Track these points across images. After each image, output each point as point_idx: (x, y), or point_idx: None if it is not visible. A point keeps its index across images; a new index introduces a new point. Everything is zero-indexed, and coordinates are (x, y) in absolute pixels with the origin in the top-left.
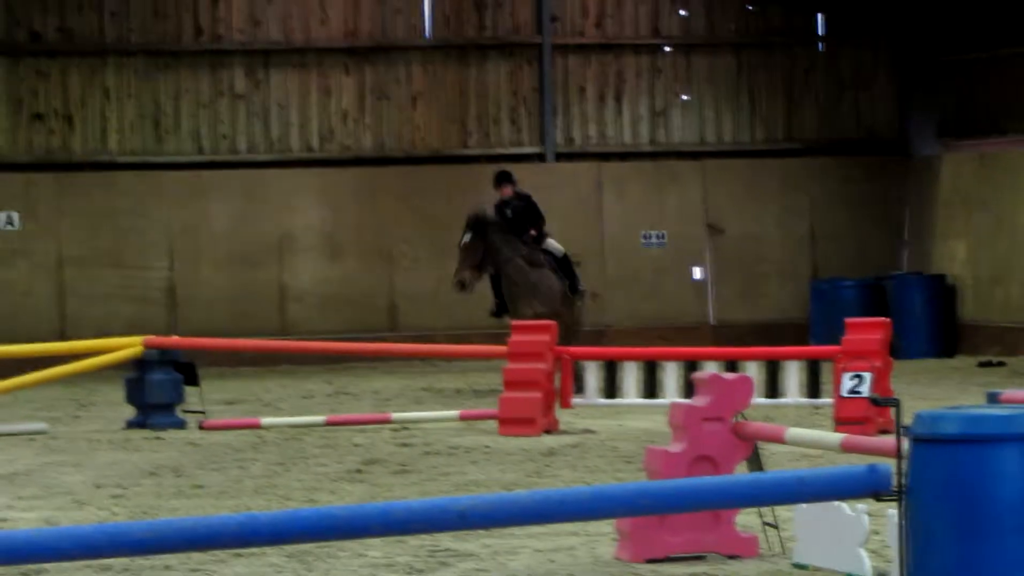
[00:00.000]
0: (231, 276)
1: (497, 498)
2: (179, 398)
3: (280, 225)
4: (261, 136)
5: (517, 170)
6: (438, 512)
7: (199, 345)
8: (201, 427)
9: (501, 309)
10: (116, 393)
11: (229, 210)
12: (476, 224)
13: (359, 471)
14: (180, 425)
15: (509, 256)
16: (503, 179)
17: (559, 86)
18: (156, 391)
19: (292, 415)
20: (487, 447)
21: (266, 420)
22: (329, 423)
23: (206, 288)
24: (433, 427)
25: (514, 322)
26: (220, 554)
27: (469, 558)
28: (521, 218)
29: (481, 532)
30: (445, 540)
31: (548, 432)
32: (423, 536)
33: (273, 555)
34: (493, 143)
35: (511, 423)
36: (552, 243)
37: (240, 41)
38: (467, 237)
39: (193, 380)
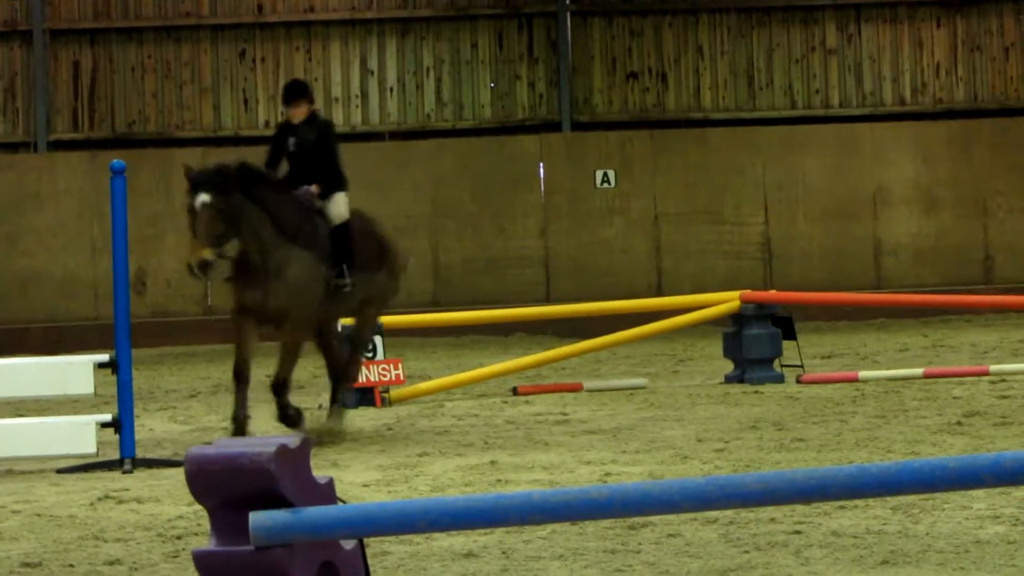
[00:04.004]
0: (826, 230)
1: None
2: (777, 352)
3: (874, 179)
4: (854, 90)
5: None
6: None
7: (795, 299)
8: (799, 381)
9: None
10: (713, 348)
11: (823, 164)
12: (212, 180)
13: (959, 423)
14: (778, 379)
15: (255, 224)
16: (296, 93)
17: None
18: (754, 345)
19: (890, 368)
20: None
21: (864, 373)
22: (927, 375)
23: (801, 242)
24: None
25: None
26: (824, 506)
27: None
28: (308, 158)
29: None
30: None
31: None
32: None
33: (877, 507)
34: None
35: None
36: (337, 203)
37: None
38: (201, 198)
39: (790, 334)
